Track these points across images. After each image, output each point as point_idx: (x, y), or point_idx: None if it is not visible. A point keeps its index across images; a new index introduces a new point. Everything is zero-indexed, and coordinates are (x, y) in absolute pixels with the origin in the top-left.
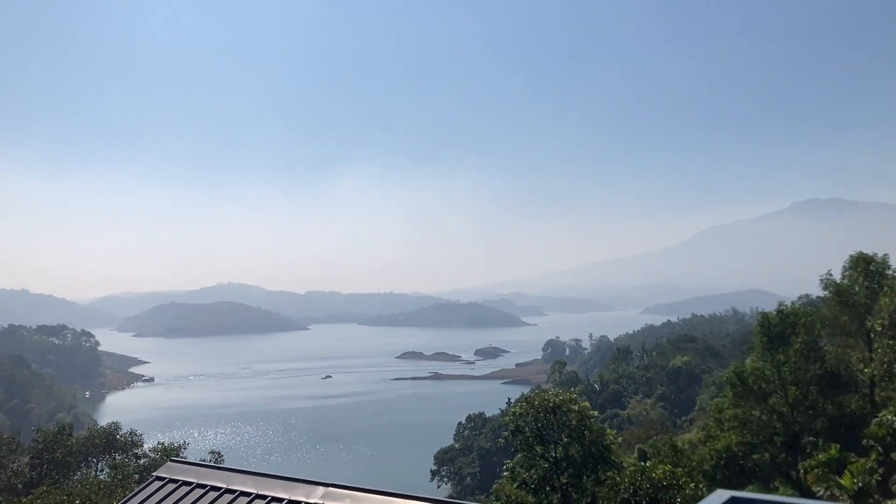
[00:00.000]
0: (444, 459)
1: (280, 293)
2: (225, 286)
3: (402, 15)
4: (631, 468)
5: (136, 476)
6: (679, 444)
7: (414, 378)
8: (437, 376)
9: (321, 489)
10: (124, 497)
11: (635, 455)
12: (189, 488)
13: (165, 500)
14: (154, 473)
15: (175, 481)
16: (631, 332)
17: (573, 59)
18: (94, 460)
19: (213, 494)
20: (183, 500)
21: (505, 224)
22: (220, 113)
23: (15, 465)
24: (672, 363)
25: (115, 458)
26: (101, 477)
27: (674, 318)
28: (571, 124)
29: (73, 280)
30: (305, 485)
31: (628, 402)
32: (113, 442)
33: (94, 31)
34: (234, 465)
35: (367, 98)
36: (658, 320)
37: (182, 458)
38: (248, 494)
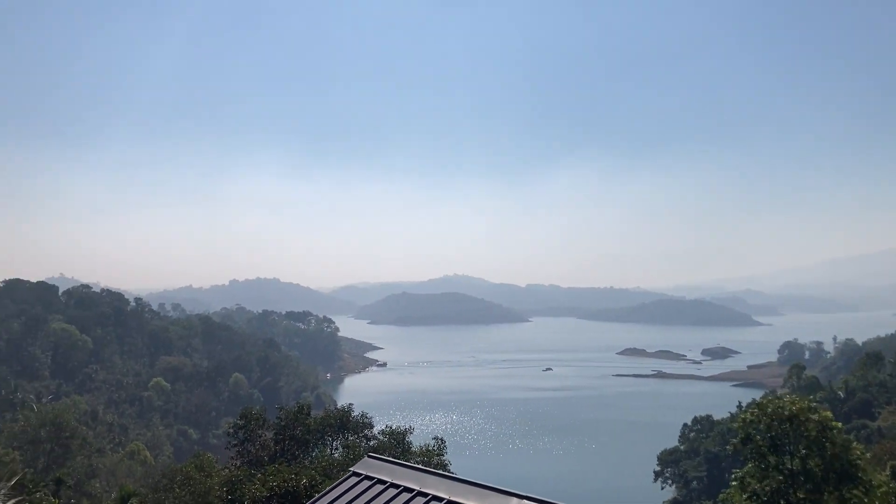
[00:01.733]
0: (669, 461)
1: (502, 285)
2: (451, 277)
3: (626, 7)
4: (883, 489)
5: (366, 456)
6: None
7: (636, 375)
8: (660, 375)
9: (514, 500)
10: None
11: (887, 472)
12: (383, 487)
13: (360, 497)
14: (352, 469)
15: (371, 478)
16: (882, 335)
17: (819, 38)
18: (330, 439)
19: (405, 496)
20: (377, 499)
21: (733, 218)
22: (448, 112)
23: (262, 438)
24: None
25: (347, 438)
26: (336, 455)
27: None
28: (818, 108)
29: (317, 271)
30: (499, 494)
31: (879, 413)
32: (346, 423)
33: (341, 34)
34: (455, 452)
35: (588, 92)
36: None
37: (407, 443)
38: (440, 499)
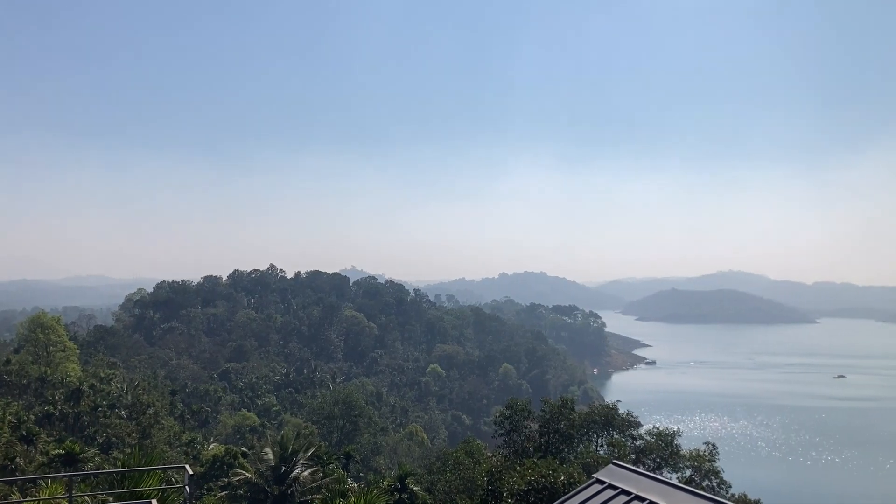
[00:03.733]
0: None
1: (785, 283)
2: (725, 273)
3: None
4: None
5: (632, 457)
6: None
7: None
8: None
9: None
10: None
11: None
12: (628, 498)
13: None
14: (595, 475)
15: (614, 487)
16: None
17: None
18: (595, 435)
19: None
20: None
21: None
22: (727, 88)
23: (527, 429)
24: None
25: (612, 435)
26: (600, 452)
27: None
28: None
29: (583, 265)
30: None
31: None
32: (611, 420)
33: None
34: (729, 459)
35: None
36: None
37: (676, 445)
38: None
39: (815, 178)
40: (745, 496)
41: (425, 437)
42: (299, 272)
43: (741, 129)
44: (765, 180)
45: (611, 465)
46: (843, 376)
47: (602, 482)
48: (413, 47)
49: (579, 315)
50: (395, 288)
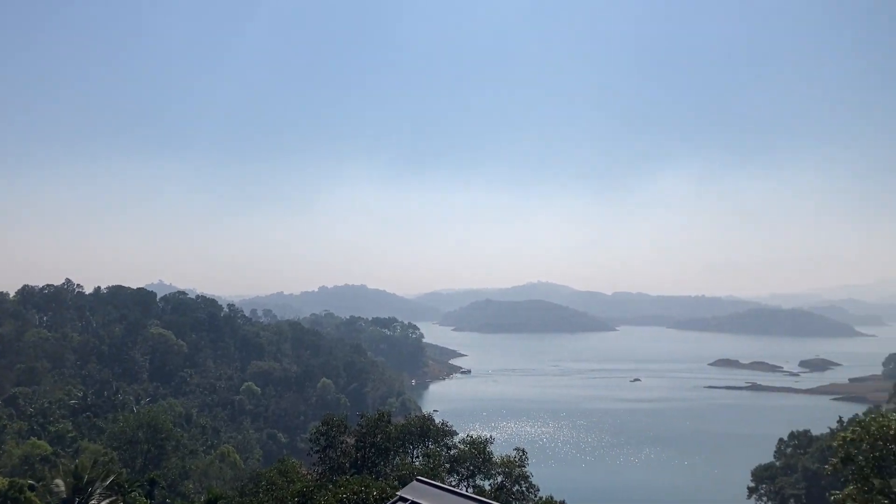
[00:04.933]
0: (764, 477)
1: (587, 293)
2: (535, 284)
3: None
4: None
5: (447, 466)
6: None
7: (728, 387)
8: (754, 387)
9: None
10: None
11: None
12: None
13: None
14: (399, 493)
15: None
16: None
17: None
18: (411, 447)
19: None
20: None
21: (838, 222)
22: (540, 114)
23: (343, 445)
24: None
25: (428, 446)
26: (416, 464)
27: None
28: None
29: (403, 278)
30: None
31: None
32: (427, 431)
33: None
34: (540, 462)
35: (692, 89)
36: None
37: (488, 453)
38: None
39: (612, 196)
40: (552, 498)
41: (238, 459)
42: (99, 287)
43: (549, 153)
44: (571, 197)
45: (415, 482)
46: (638, 379)
47: (405, 499)
48: (231, 49)
49: (398, 327)
50: (208, 303)
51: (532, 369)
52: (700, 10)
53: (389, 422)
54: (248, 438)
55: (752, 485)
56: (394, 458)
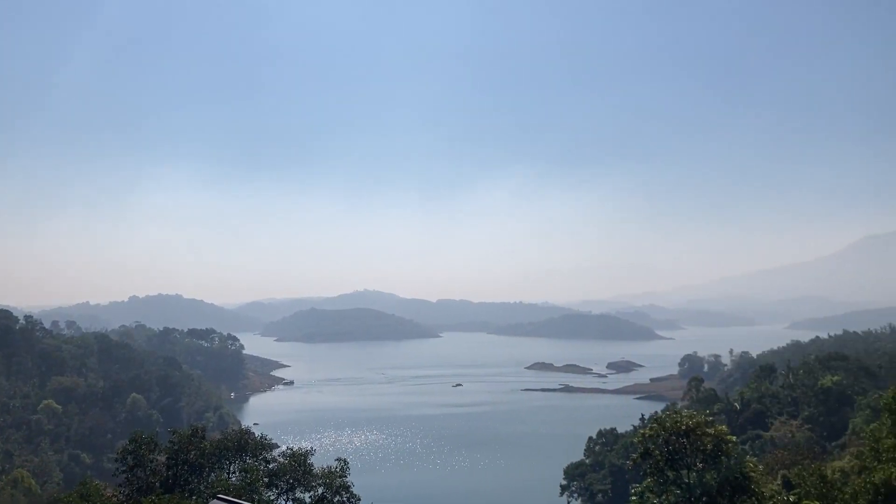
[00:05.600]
0: (575, 474)
1: (413, 300)
2: (361, 293)
3: (551, 23)
4: (774, 498)
5: (266, 480)
6: (829, 473)
7: (544, 390)
8: (567, 388)
9: None
10: None
11: (779, 482)
12: None
13: None
14: None
15: None
16: (776, 348)
17: (732, 65)
18: (227, 462)
19: None
20: None
21: (642, 234)
22: (367, 123)
23: (153, 463)
24: (821, 383)
25: (245, 461)
26: (232, 480)
27: (823, 335)
28: (721, 134)
29: (222, 286)
30: None
31: (772, 423)
32: (245, 445)
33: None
34: (364, 471)
35: (509, 111)
36: (805, 336)
37: (309, 465)
38: None
39: (438, 206)
40: None
41: (34, 484)
42: None
43: (378, 162)
44: (398, 206)
45: (215, 501)
46: (460, 385)
47: None
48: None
49: (217, 338)
50: (1, 315)
51: (358, 378)
52: (526, 34)
53: (204, 437)
54: (46, 461)
55: (564, 482)
56: (208, 475)
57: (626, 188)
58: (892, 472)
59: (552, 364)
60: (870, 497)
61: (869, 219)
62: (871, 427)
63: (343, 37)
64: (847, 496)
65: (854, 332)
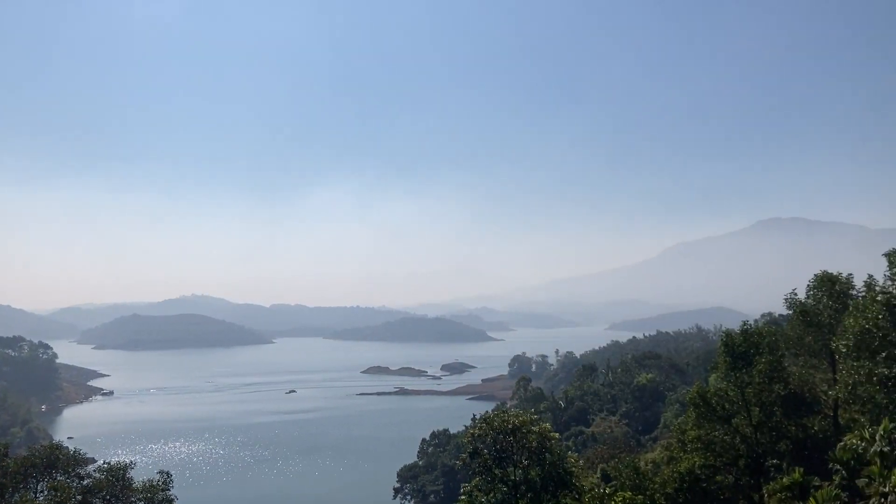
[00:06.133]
0: (408, 476)
1: (246, 306)
2: (189, 298)
3: (380, 32)
4: (589, 494)
5: (79, 498)
6: (642, 464)
7: (379, 393)
8: (402, 391)
9: None
10: None
11: (598, 475)
12: None
13: None
14: None
15: None
16: (597, 348)
17: (553, 81)
18: (35, 481)
19: None
20: None
21: (476, 240)
22: (199, 122)
23: None
24: (637, 380)
25: (55, 479)
26: (40, 500)
27: (639, 335)
28: (550, 144)
29: (33, 291)
30: None
31: (593, 420)
32: (55, 461)
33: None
34: (191, 484)
35: (344, 115)
36: (624, 337)
37: (128, 479)
38: None
39: (272, 211)
40: None
41: None
42: None
43: (205, 159)
44: (227, 210)
45: None
46: (294, 391)
47: None
48: None
49: (26, 346)
50: None
51: (185, 387)
52: (362, 42)
53: (7, 454)
54: None
55: (397, 485)
56: (12, 496)
57: (462, 195)
58: (695, 462)
59: (388, 367)
60: (676, 485)
61: (681, 227)
62: (678, 420)
63: (173, 29)
64: (657, 485)
65: (666, 333)
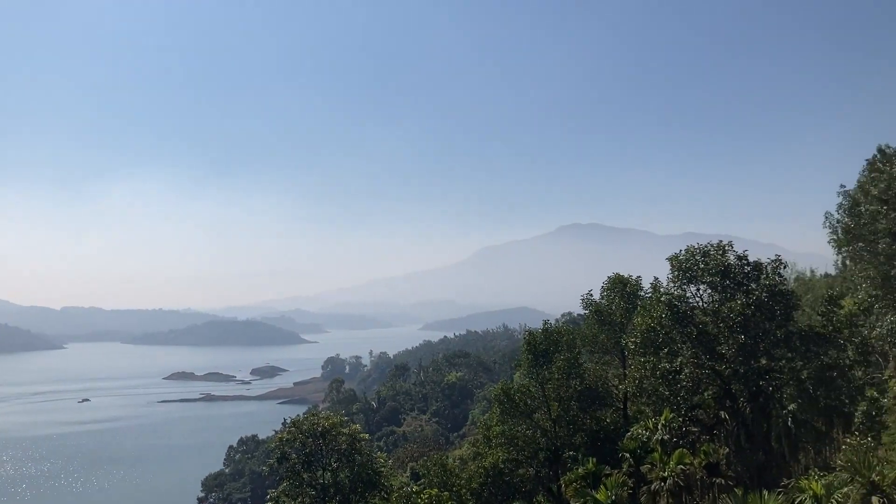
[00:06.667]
0: (213, 485)
1: (32, 308)
2: None
3: (205, 23)
4: (397, 494)
5: None
6: (450, 461)
7: (183, 400)
8: (209, 397)
9: None
10: None
11: (408, 474)
12: None
13: None
14: None
15: None
16: (410, 348)
17: (378, 85)
18: None
19: None
20: None
21: (291, 241)
22: None
23: None
24: (447, 379)
25: None
26: None
27: (450, 335)
28: (370, 149)
29: None
30: None
31: (405, 419)
32: None
33: None
34: None
35: (156, 102)
36: (436, 336)
37: None
38: None
39: (66, 204)
40: None
41: None
42: None
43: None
44: (16, 203)
45: None
46: (88, 400)
47: None
48: None
49: None
50: None
51: None
52: (186, 29)
53: None
54: None
55: (201, 494)
56: None
57: (280, 196)
58: (499, 456)
59: (193, 373)
60: (481, 480)
61: (491, 231)
62: (484, 417)
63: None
64: (463, 481)
65: (476, 332)
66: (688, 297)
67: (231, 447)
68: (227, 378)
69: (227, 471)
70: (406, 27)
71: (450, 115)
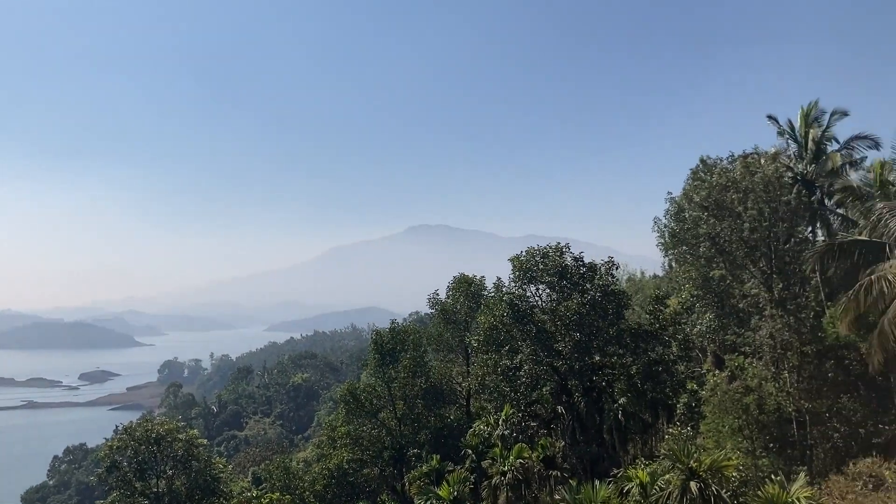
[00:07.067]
0: (35, 499)
1: None
2: None
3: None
4: (237, 499)
5: None
6: (294, 463)
7: (1, 408)
8: (31, 405)
9: None
10: None
11: (249, 479)
12: None
13: None
14: None
15: None
16: (254, 350)
17: (220, 80)
18: None
19: None
20: None
21: (124, 238)
22: None
23: None
24: (292, 380)
25: None
26: None
27: (297, 336)
28: (216, 144)
29: None
30: None
31: (247, 423)
32: None
33: None
34: None
35: None
36: (282, 338)
37: None
38: None
39: None
40: None
41: None
42: None
43: None
44: None
45: None
46: None
47: None
48: None
49: None
50: None
51: None
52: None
53: None
54: None
55: None
56: None
57: (116, 192)
58: (343, 457)
59: (13, 379)
60: (325, 481)
61: (339, 231)
62: (329, 418)
63: None
64: (307, 484)
65: (323, 332)
66: (528, 297)
67: (56, 457)
68: (53, 384)
69: (51, 483)
70: (244, 32)
71: (291, 118)
